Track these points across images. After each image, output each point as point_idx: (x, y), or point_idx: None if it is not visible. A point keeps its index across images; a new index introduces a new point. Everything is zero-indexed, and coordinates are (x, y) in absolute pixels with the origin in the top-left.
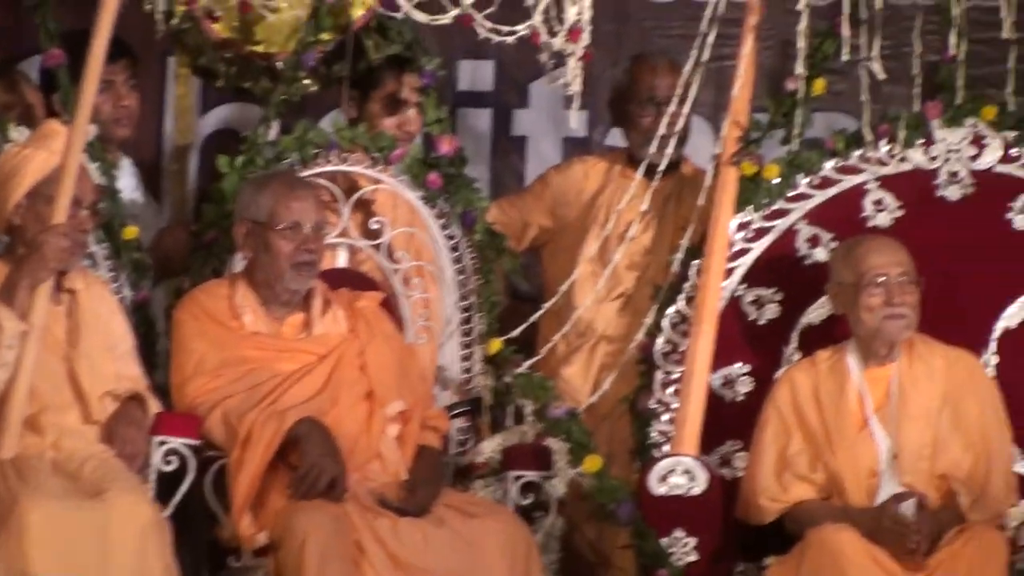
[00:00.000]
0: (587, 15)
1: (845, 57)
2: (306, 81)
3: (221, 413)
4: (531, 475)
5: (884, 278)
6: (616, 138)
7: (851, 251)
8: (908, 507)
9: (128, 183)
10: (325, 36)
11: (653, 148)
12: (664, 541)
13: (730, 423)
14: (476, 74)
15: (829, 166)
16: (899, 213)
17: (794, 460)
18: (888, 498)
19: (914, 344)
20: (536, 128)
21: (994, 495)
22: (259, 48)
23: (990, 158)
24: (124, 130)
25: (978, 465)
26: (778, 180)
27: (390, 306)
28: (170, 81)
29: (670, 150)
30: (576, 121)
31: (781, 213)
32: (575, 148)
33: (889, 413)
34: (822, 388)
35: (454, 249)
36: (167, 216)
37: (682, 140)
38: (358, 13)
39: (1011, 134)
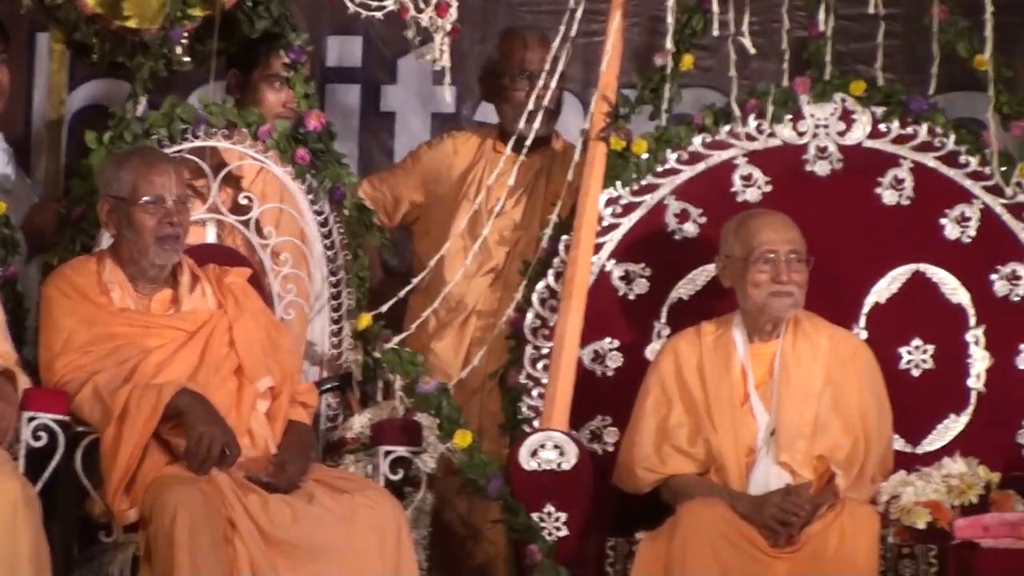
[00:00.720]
0: None
1: (714, 32)
2: (185, 58)
3: (92, 389)
4: (401, 450)
5: (773, 255)
6: (484, 114)
7: (743, 225)
8: (774, 474)
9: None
10: (194, 12)
11: (523, 122)
12: (535, 516)
13: (600, 398)
14: (344, 50)
15: (698, 141)
16: (768, 188)
17: (674, 432)
18: (775, 492)
19: (800, 322)
20: (405, 104)
21: (869, 475)
22: (129, 23)
23: (859, 133)
24: None
25: (857, 448)
26: (647, 155)
27: (258, 282)
28: (39, 57)
29: (537, 124)
30: (447, 95)
31: (650, 188)
32: (444, 124)
33: (771, 390)
34: (706, 360)
35: (323, 224)
36: (39, 192)
37: (554, 115)
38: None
39: (879, 109)
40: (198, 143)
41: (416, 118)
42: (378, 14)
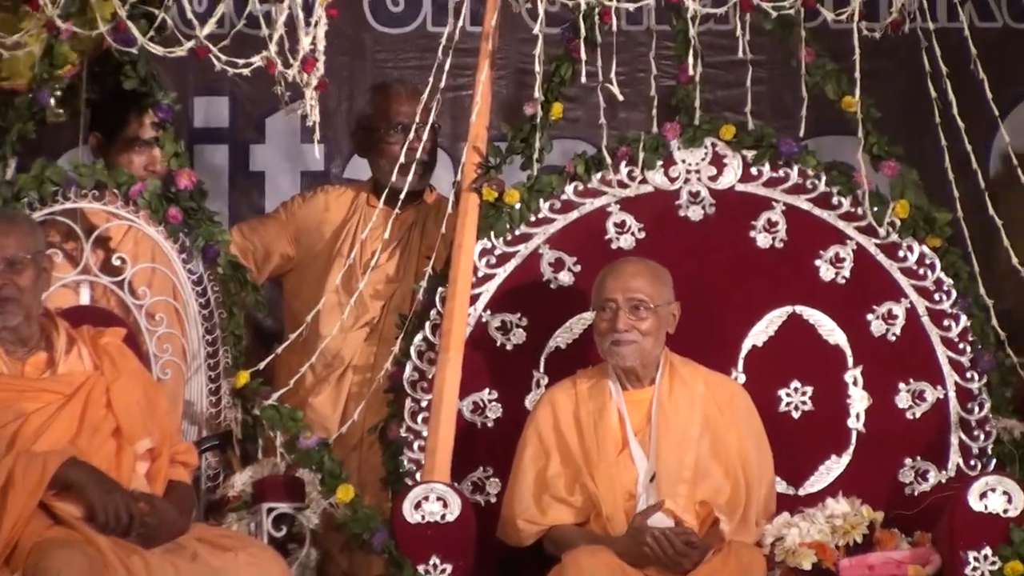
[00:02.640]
0: (321, 45)
1: (583, 80)
2: (58, 110)
3: None
4: (284, 507)
5: (613, 303)
6: (354, 171)
7: (600, 276)
8: (658, 518)
9: None
10: (61, 71)
11: (396, 175)
12: (420, 568)
13: (481, 449)
14: (211, 110)
15: (570, 190)
16: (642, 235)
17: (553, 482)
18: (635, 515)
19: (676, 368)
20: (273, 163)
21: (753, 518)
22: (5, 84)
23: (730, 177)
24: None
25: (738, 492)
26: (519, 205)
27: (134, 342)
28: None
29: (411, 177)
30: (317, 152)
31: (524, 238)
32: (313, 182)
33: (649, 436)
34: (582, 410)
35: (197, 283)
36: None
37: (428, 167)
38: (74, 58)
39: (750, 153)
40: (68, 205)
41: (285, 177)
42: (245, 71)
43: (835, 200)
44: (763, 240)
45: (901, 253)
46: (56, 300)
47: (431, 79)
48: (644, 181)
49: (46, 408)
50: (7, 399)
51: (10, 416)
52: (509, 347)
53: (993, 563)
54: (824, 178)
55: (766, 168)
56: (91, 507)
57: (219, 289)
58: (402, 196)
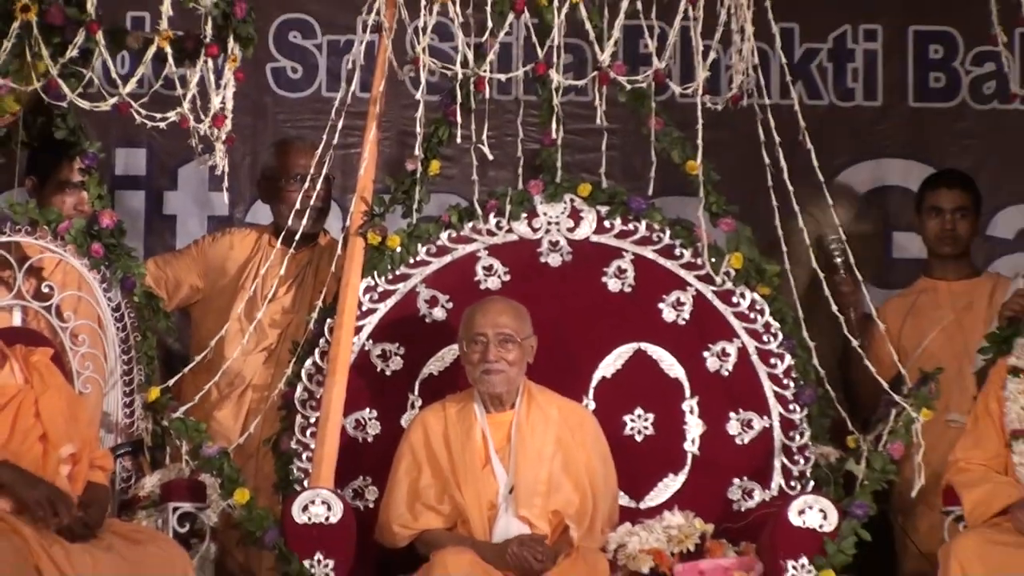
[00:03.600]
0: (229, 104)
1: (458, 141)
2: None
3: None
4: (187, 506)
5: (483, 337)
6: (254, 216)
7: (467, 313)
8: (515, 526)
9: None
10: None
11: (292, 219)
12: (306, 563)
13: (362, 461)
14: (130, 160)
15: (445, 236)
16: (507, 278)
17: (424, 492)
18: (512, 539)
19: (533, 394)
20: (184, 208)
21: (599, 527)
22: None
23: (586, 229)
24: None
25: (586, 503)
26: (400, 249)
27: (60, 360)
28: None
29: (305, 221)
30: (225, 199)
31: (403, 277)
32: (219, 224)
33: (508, 453)
34: (451, 430)
35: (116, 310)
36: None
37: (322, 212)
38: (14, 108)
39: (604, 208)
40: (3, 238)
41: (194, 220)
42: (162, 125)
43: (678, 251)
44: (614, 285)
45: (735, 299)
46: None
47: (324, 136)
48: (510, 231)
49: None
50: None
51: None
52: (388, 372)
53: (809, 571)
54: (668, 232)
55: (617, 222)
56: (21, 500)
57: (134, 315)
58: (297, 238)
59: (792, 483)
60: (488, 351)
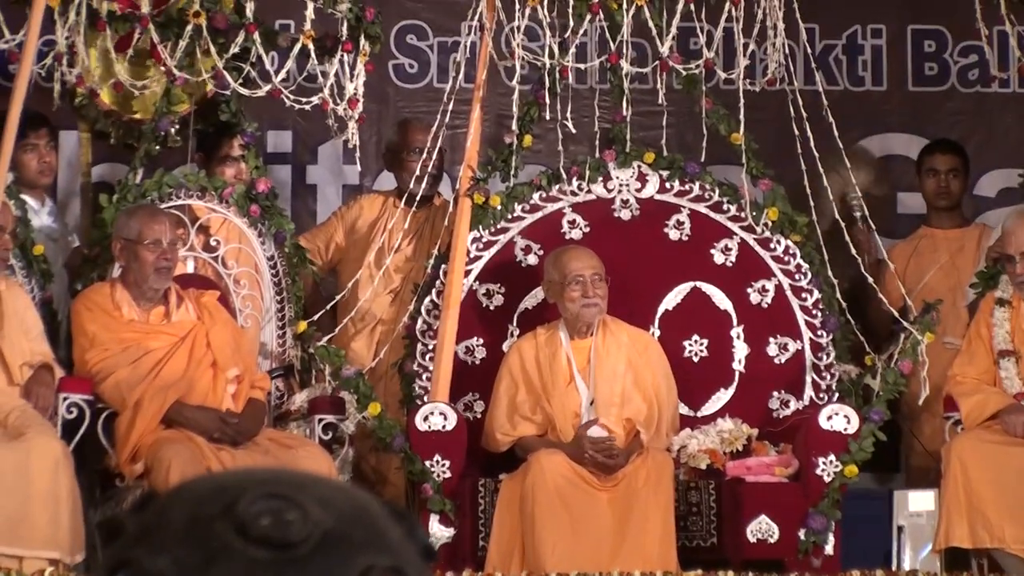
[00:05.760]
0: (360, 91)
1: (546, 117)
2: (177, 138)
3: (114, 381)
4: (330, 418)
5: (581, 278)
6: (379, 184)
7: (558, 258)
8: (594, 431)
9: (48, 217)
10: (177, 108)
11: (413, 184)
12: (427, 463)
13: (470, 380)
14: (279, 140)
15: (536, 197)
16: (587, 230)
17: (520, 406)
18: (580, 427)
19: (607, 324)
20: (323, 178)
21: (664, 431)
22: (136, 115)
23: (651, 189)
24: (46, 179)
25: (652, 412)
26: (500, 207)
27: (225, 301)
28: (62, 145)
29: (424, 185)
30: (357, 169)
31: (503, 230)
32: (351, 192)
33: (589, 373)
34: (541, 355)
35: (270, 259)
36: (78, 240)
37: (436, 179)
38: (184, 100)
39: (665, 172)
40: (180, 202)
41: (331, 188)
42: (307, 107)
43: (725, 207)
44: (673, 235)
45: (772, 245)
46: None
47: (438, 118)
48: (589, 191)
49: (164, 346)
50: (137, 338)
51: (140, 352)
52: (491, 308)
53: (836, 466)
54: (717, 191)
55: (676, 183)
56: (197, 428)
57: (285, 264)
58: (417, 199)
59: (820, 395)
60: (588, 288)
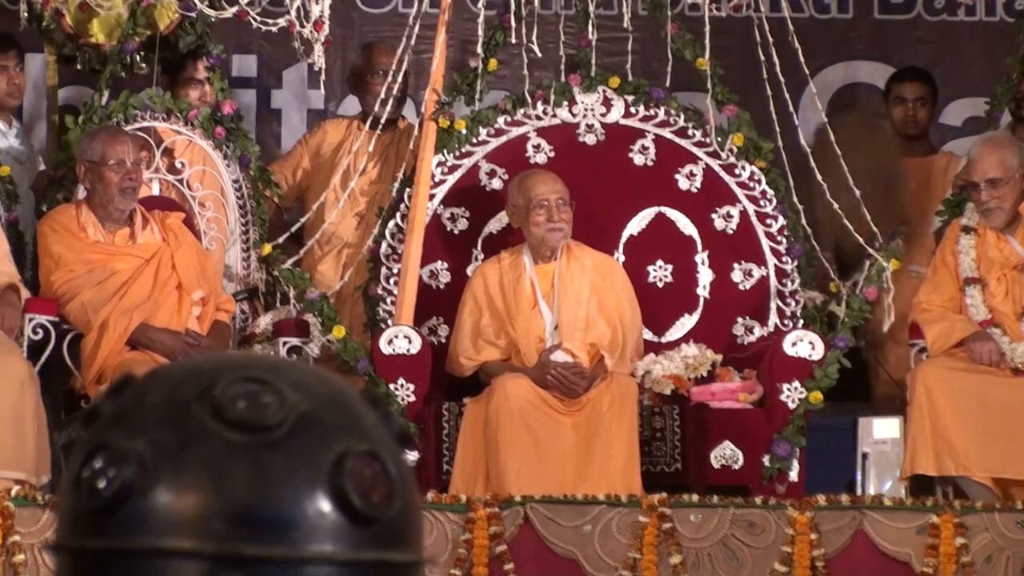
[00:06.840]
0: (327, 12)
1: (512, 40)
2: (142, 64)
3: (80, 303)
4: (294, 340)
5: (546, 202)
6: (344, 109)
7: (523, 182)
8: (558, 355)
9: (15, 139)
10: (140, 31)
11: (378, 107)
12: (391, 387)
13: (434, 304)
14: (243, 64)
15: (501, 121)
16: (552, 155)
17: (484, 330)
18: (544, 352)
19: (571, 249)
20: (287, 103)
21: (628, 356)
22: (93, 39)
23: (616, 114)
24: (15, 101)
25: (617, 337)
26: (465, 131)
27: (190, 223)
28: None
29: (388, 108)
30: (321, 93)
31: (467, 154)
32: (316, 117)
33: (552, 297)
34: (505, 279)
35: (235, 181)
36: (44, 162)
37: (400, 102)
38: (165, 22)
39: (630, 97)
40: (145, 124)
41: (296, 113)
42: (274, 29)
43: (690, 132)
44: (638, 159)
45: (737, 171)
46: None
47: (403, 41)
48: (554, 116)
49: (129, 268)
50: (103, 260)
51: (105, 273)
52: (456, 231)
53: (800, 392)
54: (683, 116)
55: (641, 108)
56: (162, 350)
57: (250, 186)
58: (382, 122)
59: (785, 321)
60: (553, 213)
